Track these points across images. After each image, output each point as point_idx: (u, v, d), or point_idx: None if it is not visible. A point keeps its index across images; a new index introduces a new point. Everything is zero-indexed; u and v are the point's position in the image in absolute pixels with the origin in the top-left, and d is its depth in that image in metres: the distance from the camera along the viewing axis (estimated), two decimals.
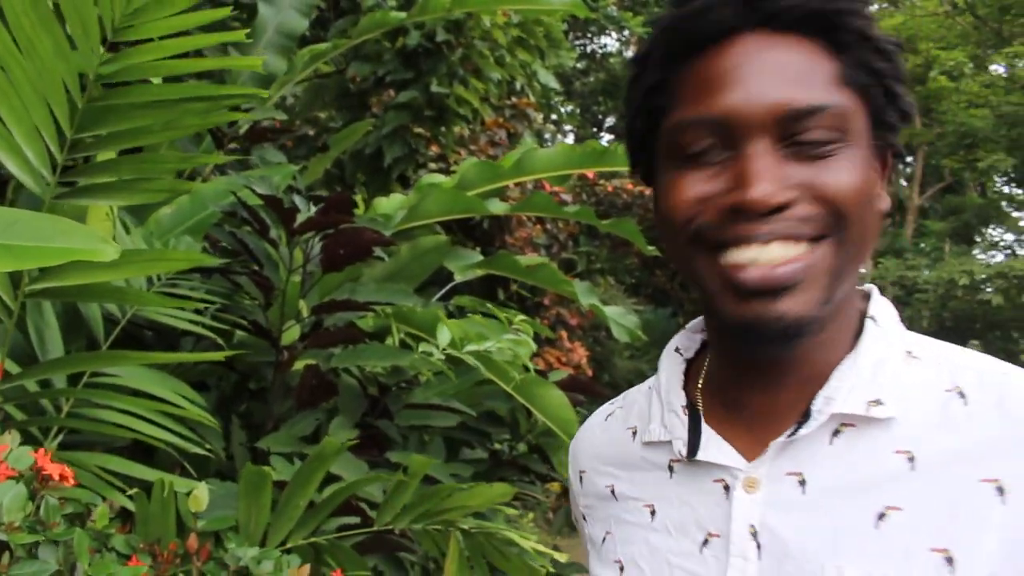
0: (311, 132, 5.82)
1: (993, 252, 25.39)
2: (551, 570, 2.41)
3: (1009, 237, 26.42)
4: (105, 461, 2.02)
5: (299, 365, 2.68)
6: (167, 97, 2.07)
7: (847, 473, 0.77)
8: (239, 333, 2.73)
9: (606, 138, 20.60)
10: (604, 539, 0.94)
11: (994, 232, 26.48)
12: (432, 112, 5.34)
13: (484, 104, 5.66)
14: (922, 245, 24.08)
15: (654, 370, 0.97)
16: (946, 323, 19.13)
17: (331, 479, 2.16)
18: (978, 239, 25.57)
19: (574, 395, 2.92)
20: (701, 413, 0.88)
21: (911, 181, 24.51)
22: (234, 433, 2.57)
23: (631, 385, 1.04)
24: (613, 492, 0.94)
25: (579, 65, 17.31)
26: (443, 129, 5.51)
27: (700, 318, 0.95)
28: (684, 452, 0.86)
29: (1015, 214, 26.13)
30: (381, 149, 5.35)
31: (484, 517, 2.40)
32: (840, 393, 0.78)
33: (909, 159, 24.29)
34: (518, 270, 3.52)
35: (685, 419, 0.88)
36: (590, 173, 8.12)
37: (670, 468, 0.88)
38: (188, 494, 1.79)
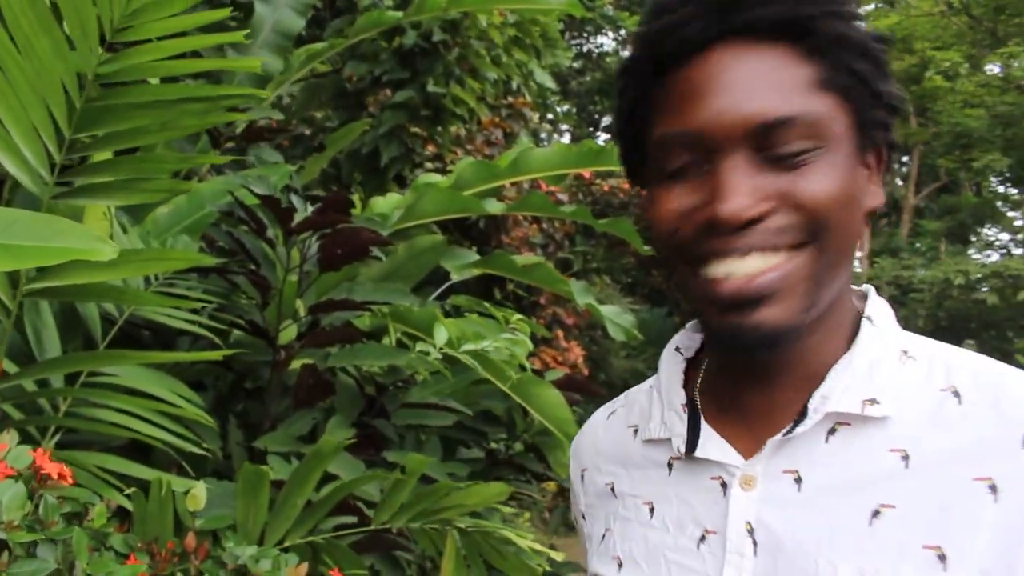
0: (307, 131, 5.82)
1: (988, 252, 25.43)
2: (548, 569, 2.42)
3: (1004, 237, 26.46)
4: (103, 460, 2.02)
5: (296, 364, 2.68)
6: (165, 97, 2.07)
7: (842, 471, 0.78)
8: (236, 332, 2.73)
9: (602, 138, 20.61)
10: (604, 536, 0.95)
11: (989, 232, 26.53)
12: (428, 112, 5.34)
13: (480, 104, 5.66)
14: (918, 245, 24.14)
15: (650, 369, 0.98)
16: (941, 322, 19.16)
17: (328, 478, 2.17)
18: (973, 239, 25.61)
19: (570, 394, 2.92)
20: (700, 411, 0.89)
21: (907, 181, 24.55)
22: (231, 432, 2.57)
23: (627, 384, 1.05)
24: (613, 490, 0.95)
25: (575, 65, 17.31)
26: (439, 129, 5.51)
27: None
28: (683, 449, 0.86)
29: (1010, 214, 26.18)
30: (377, 149, 5.36)
31: (481, 516, 2.41)
32: (836, 392, 0.79)
33: (905, 159, 24.34)
34: (514, 269, 3.52)
35: (685, 417, 0.89)
36: (586, 172, 8.13)
37: (669, 466, 0.89)
38: (186, 493, 1.79)
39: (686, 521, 0.85)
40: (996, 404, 0.75)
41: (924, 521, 0.73)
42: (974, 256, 22.90)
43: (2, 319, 2.01)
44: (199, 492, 1.79)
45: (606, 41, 19.21)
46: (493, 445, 3.09)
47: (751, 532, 0.80)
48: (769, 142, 0.75)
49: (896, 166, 25.17)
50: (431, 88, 5.15)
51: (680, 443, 0.87)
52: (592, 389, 3.24)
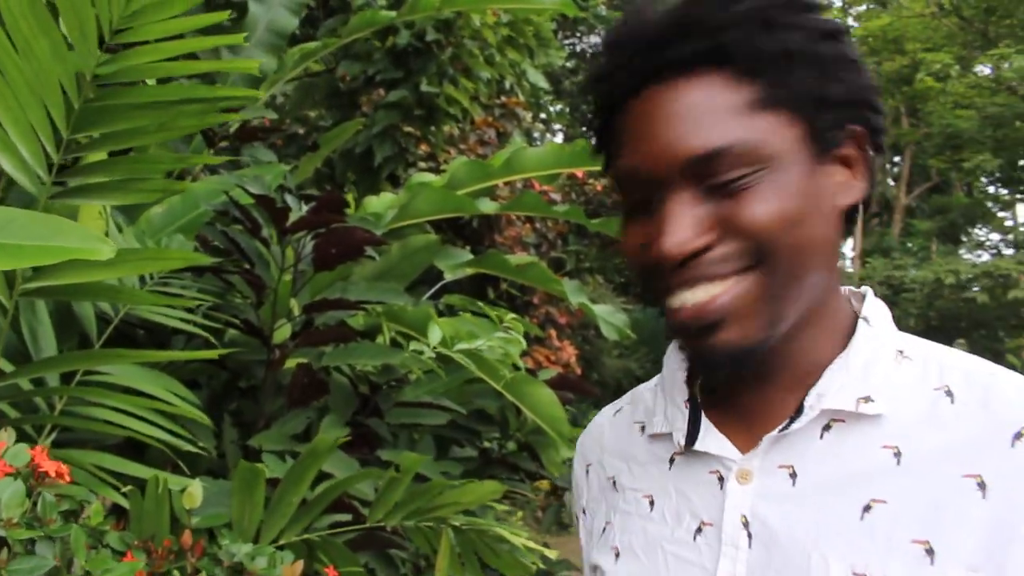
0: (301, 131, 5.83)
1: (979, 251, 25.57)
2: (541, 567, 2.43)
3: (995, 237, 26.61)
4: (99, 459, 2.02)
5: (290, 363, 2.69)
6: (163, 98, 2.08)
7: (836, 467, 0.79)
8: (231, 331, 2.74)
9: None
10: (604, 529, 0.97)
11: (980, 232, 26.67)
12: (422, 111, 5.35)
13: (474, 103, 5.68)
14: (909, 244, 24.23)
15: (642, 368, 1.00)
16: (932, 322, 19.25)
17: (323, 477, 2.18)
18: (964, 239, 25.74)
19: (563, 393, 2.93)
20: (701, 407, 0.91)
21: (899, 180, 24.64)
22: (225, 431, 2.57)
23: (620, 383, 1.07)
24: (615, 483, 0.97)
25: (568, 64, 17.30)
26: (433, 128, 5.53)
27: None
28: (683, 442, 0.88)
29: (1000, 214, 26.33)
30: (371, 148, 5.37)
31: (474, 514, 2.42)
32: (831, 390, 0.81)
33: (896, 159, 24.41)
34: (508, 269, 3.53)
35: (686, 412, 0.90)
36: (579, 172, 8.12)
37: (671, 461, 0.91)
38: (182, 491, 1.80)
39: (684, 513, 0.87)
40: (987, 404, 0.77)
41: (914, 516, 0.75)
42: (965, 256, 23.02)
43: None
44: (195, 490, 1.80)
45: (599, 41, 19.20)
46: (486, 444, 3.10)
47: (746, 525, 0.82)
48: (707, 173, 0.76)
49: (888, 166, 25.26)
50: (424, 88, 5.16)
51: (680, 436, 0.89)
52: (585, 388, 3.26)
